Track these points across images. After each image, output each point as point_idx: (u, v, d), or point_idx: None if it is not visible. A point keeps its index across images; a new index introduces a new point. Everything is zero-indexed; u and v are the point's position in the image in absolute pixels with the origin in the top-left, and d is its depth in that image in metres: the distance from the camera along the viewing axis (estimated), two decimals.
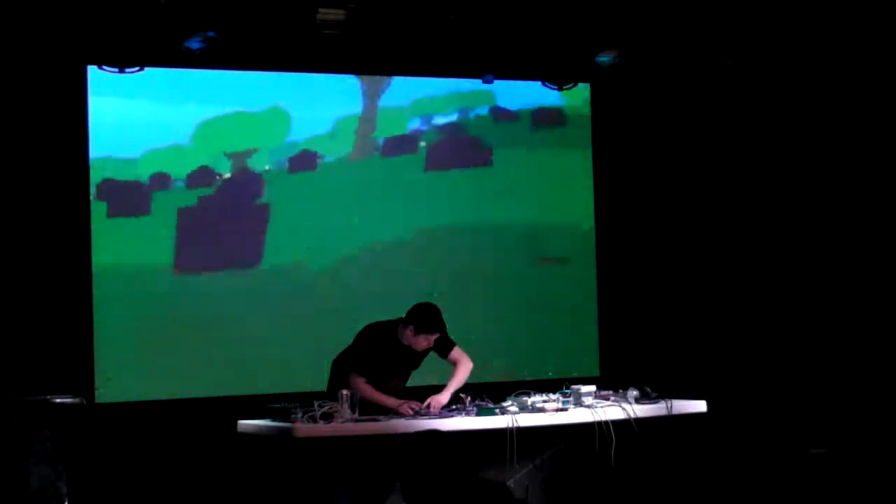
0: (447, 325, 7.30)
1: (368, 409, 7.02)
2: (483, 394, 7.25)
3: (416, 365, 7.42)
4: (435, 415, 6.98)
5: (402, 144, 9.41)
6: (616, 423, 7.03)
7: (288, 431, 6.64)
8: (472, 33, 8.91)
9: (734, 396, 9.23)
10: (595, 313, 9.96)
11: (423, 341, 7.18)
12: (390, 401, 7.09)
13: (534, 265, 9.80)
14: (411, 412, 6.99)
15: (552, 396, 7.13)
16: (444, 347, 7.38)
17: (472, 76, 9.47)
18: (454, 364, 7.38)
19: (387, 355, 7.22)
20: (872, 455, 8.53)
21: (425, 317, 7.16)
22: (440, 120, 9.55)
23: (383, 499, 6.85)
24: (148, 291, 8.68)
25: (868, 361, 9.03)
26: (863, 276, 9.16)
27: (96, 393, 8.40)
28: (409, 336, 7.17)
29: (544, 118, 9.87)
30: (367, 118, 9.35)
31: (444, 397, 7.16)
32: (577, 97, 9.93)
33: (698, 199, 9.98)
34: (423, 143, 9.48)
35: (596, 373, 9.71)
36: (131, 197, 8.68)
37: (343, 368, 7.26)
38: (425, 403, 7.09)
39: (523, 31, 9.06)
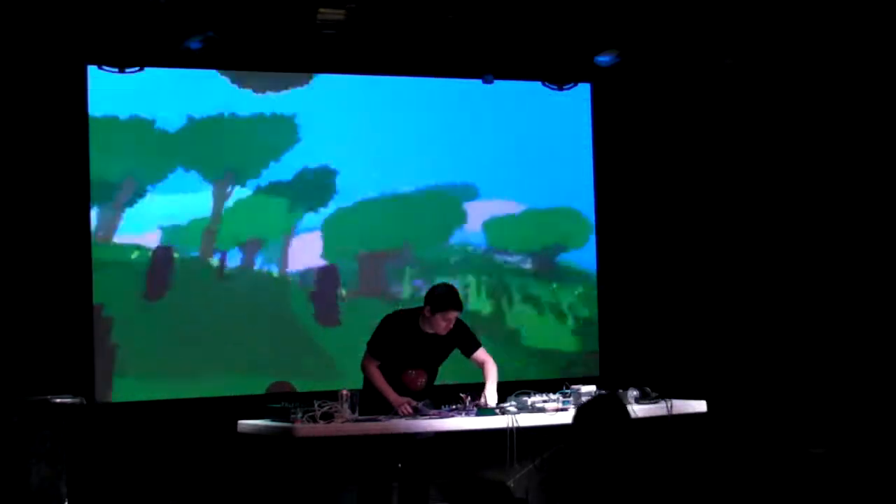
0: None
1: (371, 405, 7.02)
2: (483, 394, 7.25)
3: (438, 359, 7.36)
4: (434, 415, 6.98)
5: None
6: None
7: (288, 431, 6.64)
8: (472, 33, 8.91)
9: (734, 396, 9.23)
10: (595, 313, 9.96)
11: (442, 321, 7.11)
12: (392, 396, 7.09)
13: (534, 266, 9.81)
14: (410, 411, 6.99)
15: (552, 396, 7.14)
16: (468, 344, 7.36)
17: (472, 76, 9.47)
18: (480, 366, 7.37)
19: (404, 343, 7.18)
20: (872, 455, 8.53)
21: (441, 295, 7.13)
22: None
23: (385, 498, 6.86)
24: (148, 292, 8.69)
25: (868, 361, 9.03)
26: (863, 276, 9.16)
27: (96, 393, 8.40)
28: (428, 318, 7.13)
29: None
30: None
31: (492, 397, 7.18)
32: None
33: (699, 199, 9.98)
34: None
35: (596, 373, 9.71)
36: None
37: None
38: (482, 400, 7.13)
39: (523, 31, 9.06)
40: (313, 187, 9.10)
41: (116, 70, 8.54)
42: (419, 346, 7.21)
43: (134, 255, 8.67)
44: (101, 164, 8.58)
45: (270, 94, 9.01)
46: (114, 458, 8.30)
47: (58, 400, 7.23)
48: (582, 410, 4.53)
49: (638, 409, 7.18)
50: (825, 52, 9.10)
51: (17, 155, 8.30)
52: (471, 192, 9.62)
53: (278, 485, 6.99)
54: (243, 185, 8.92)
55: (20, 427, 7.06)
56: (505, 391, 7.27)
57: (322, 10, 8.29)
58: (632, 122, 10.05)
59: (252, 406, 7.50)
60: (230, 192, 8.88)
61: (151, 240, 8.70)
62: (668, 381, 7.81)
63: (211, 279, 8.84)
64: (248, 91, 8.96)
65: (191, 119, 8.84)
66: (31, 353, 8.16)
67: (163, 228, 8.72)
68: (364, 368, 7.23)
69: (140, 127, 8.70)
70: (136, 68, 8.58)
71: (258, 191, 8.95)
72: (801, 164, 9.49)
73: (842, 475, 8.31)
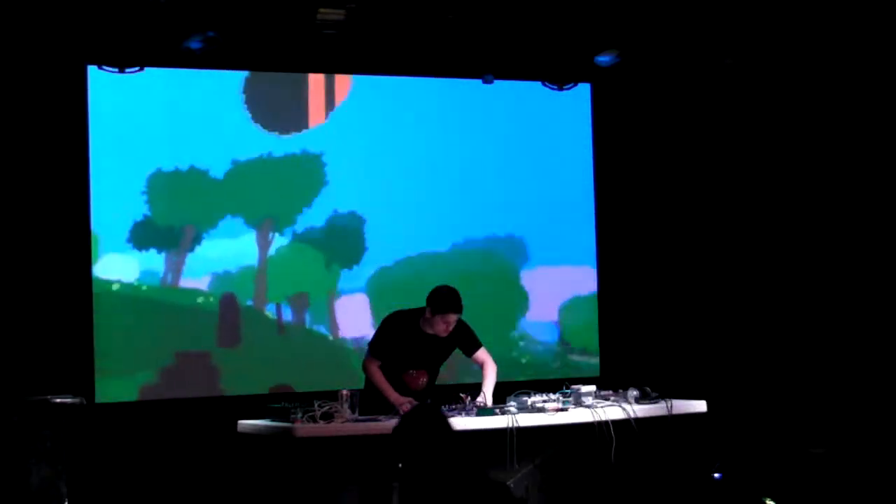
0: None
1: (372, 404, 7.03)
2: (481, 392, 7.25)
3: (439, 359, 7.37)
4: None
5: None
6: (616, 423, 7.03)
7: (288, 431, 6.64)
8: (472, 33, 8.91)
9: (734, 396, 9.24)
10: (595, 313, 9.96)
11: (442, 323, 7.12)
12: (392, 395, 7.09)
13: (534, 266, 9.81)
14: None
15: (552, 396, 7.14)
16: (469, 344, 7.36)
17: (472, 76, 9.47)
18: (481, 365, 7.37)
19: (405, 343, 7.19)
20: (872, 455, 8.53)
21: (441, 297, 7.13)
22: None
23: (386, 498, 6.85)
24: (148, 291, 8.68)
25: (868, 361, 9.03)
26: (863, 276, 9.16)
27: (96, 393, 8.39)
28: (428, 320, 7.14)
29: None
30: None
31: (488, 399, 7.18)
32: None
33: (698, 198, 9.98)
34: None
35: (596, 373, 9.71)
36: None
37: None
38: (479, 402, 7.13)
39: (523, 31, 9.06)
40: (345, 238, 9.22)
41: (116, 70, 8.54)
42: (420, 346, 7.21)
43: (199, 300, 8.81)
44: (163, 212, 8.73)
45: (295, 134, 9.11)
46: (114, 458, 8.29)
47: (58, 400, 7.23)
48: (402, 423, 4.51)
49: (638, 409, 7.19)
50: (825, 52, 9.11)
51: (17, 155, 8.30)
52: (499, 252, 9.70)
53: (278, 485, 6.99)
54: (281, 233, 9.06)
55: (20, 427, 7.06)
56: (505, 391, 7.27)
57: (322, 10, 8.29)
58: (632, 122, 10.05)
59: (252, 406, 7.50)
60: (271, 239, 9.02)
61: (204, 284, 8.83)
62: (668, 381, 7.81)
63: (271, 331, 8.98)
64: (274, 134, 9.05)
65: (235, 163, 8.93)
66: (31, 353, 8.16)
67: (215, 275, 8.85)
68: (365, 368, 7.24)
69: (195, 176, 8.81)
70: (136, 68, 8.58)
71: (295, 239, 9.08)
72: (801, 164, 9.49)
73: (842, 475, 8.32)
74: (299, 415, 6.68)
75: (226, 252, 8.87)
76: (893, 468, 8.31)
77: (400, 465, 6.57)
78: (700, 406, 7.54)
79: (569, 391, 7.20)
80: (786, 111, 9.55)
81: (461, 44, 9.07)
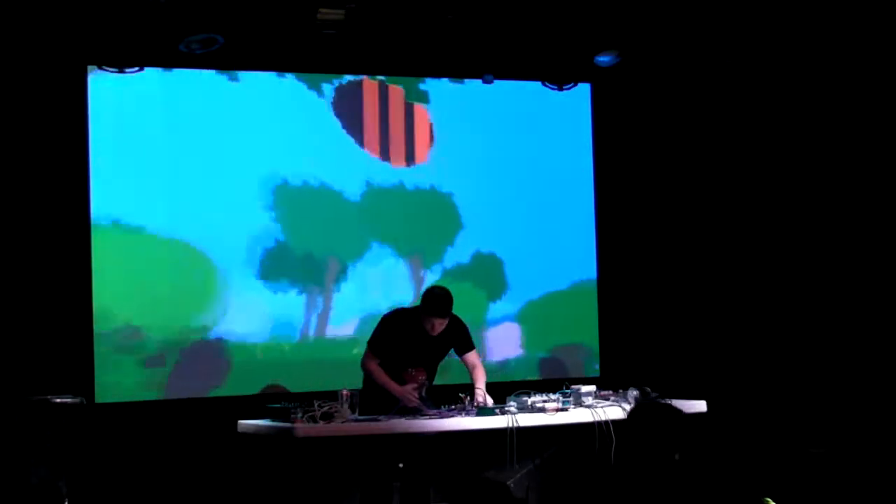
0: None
1: (371, 404, 7.03)
2: (476, 392, 7.25)
3: (437, 356, 7.38)
4: (434, 414, 6.98)
5: None
6: (616, 423, 7.04)
7: (288, 431, 6.65)
8: (471, 33, 8.91)
9: (734, 396, 9.24)
10: (595, 313, 9.95)
11: (427, 324, 7.15)
12: (396, 388, 7.10)
13: (533, 265, 9.81)
14: (415, 400, 7.00)
15: (552, 396, 7.14)
16: (463, 345, 7.37)
17: (472, 76, 9.47)
18: (471, 368, 7.37)
19: (404, 341, 7.20)
20: (872, 455, 8.53)
21: (431, 299, 7.15)
22: None
23: (386, 498, 6.86)
24: (148, 289, 8.69)
25: (868, 361, 9.03)
26: (862, 275, 9.16)
27: (96, 393, 8.39)
28: (421, 317, 7.16)
29: None
30: None
31: (487, 398, 7.20)
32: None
33: (699, 199, 9.98)
34: None
35: (596, 373, 9.71)
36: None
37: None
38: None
39: (523, 31, 9.06)
40: None
41: (116, 70, 8.53)
42: (419, 343, 7.23)
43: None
44: (303, 238, 8.88)
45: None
46: (114, 458, 8.29)
47: (58, 400, 7.24)
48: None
49: None
50: (825, 51, 9.10)
51: (17, 155, 8.30)
52: None
53: (278, 485, 6.99)
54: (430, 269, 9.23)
55: (20, 427, 7.06)
56: (505, 391, 7.27)
57: (322, 10, 8.29)
58: (632, 122, 10.05)
59: (252, 406, 7.50)
60: (423, 275, 9.18)
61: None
62: (668, 381, 7.81)
63: None
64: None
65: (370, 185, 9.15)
66: (31, 353, 8.16)
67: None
68: (364, 366, 7.24)
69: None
70: (136, 68, 8.58)
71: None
72: (801, 164, 9.49)
73: (842, 475, 8.32)
74: (299, 415, 6.68)
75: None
76: (893, 468, 8.31)
77: (401, 465, 6.59)
78: (700, 406, 7.54)
79: (569, 391, 7.21)
80: (786, 111, 9.55)
81: (461, 44, 9.07)
